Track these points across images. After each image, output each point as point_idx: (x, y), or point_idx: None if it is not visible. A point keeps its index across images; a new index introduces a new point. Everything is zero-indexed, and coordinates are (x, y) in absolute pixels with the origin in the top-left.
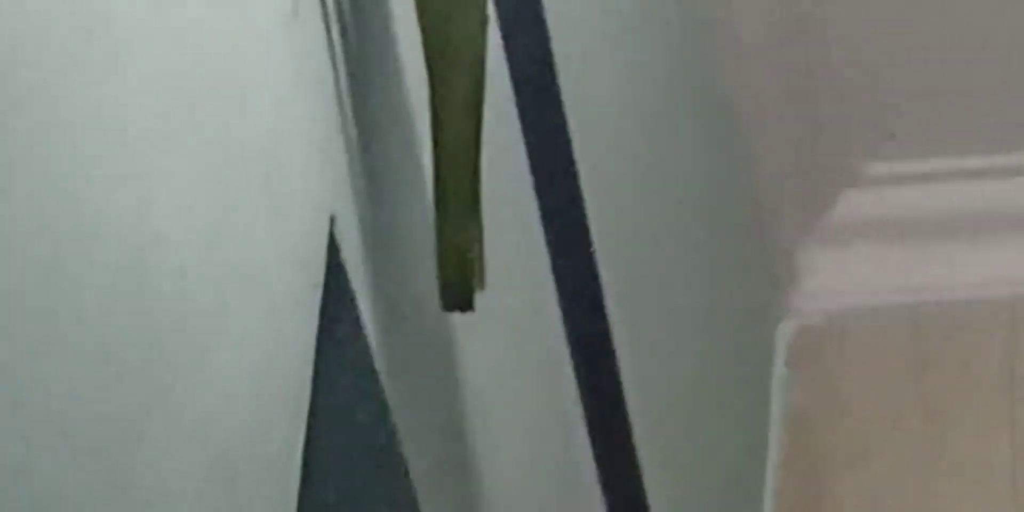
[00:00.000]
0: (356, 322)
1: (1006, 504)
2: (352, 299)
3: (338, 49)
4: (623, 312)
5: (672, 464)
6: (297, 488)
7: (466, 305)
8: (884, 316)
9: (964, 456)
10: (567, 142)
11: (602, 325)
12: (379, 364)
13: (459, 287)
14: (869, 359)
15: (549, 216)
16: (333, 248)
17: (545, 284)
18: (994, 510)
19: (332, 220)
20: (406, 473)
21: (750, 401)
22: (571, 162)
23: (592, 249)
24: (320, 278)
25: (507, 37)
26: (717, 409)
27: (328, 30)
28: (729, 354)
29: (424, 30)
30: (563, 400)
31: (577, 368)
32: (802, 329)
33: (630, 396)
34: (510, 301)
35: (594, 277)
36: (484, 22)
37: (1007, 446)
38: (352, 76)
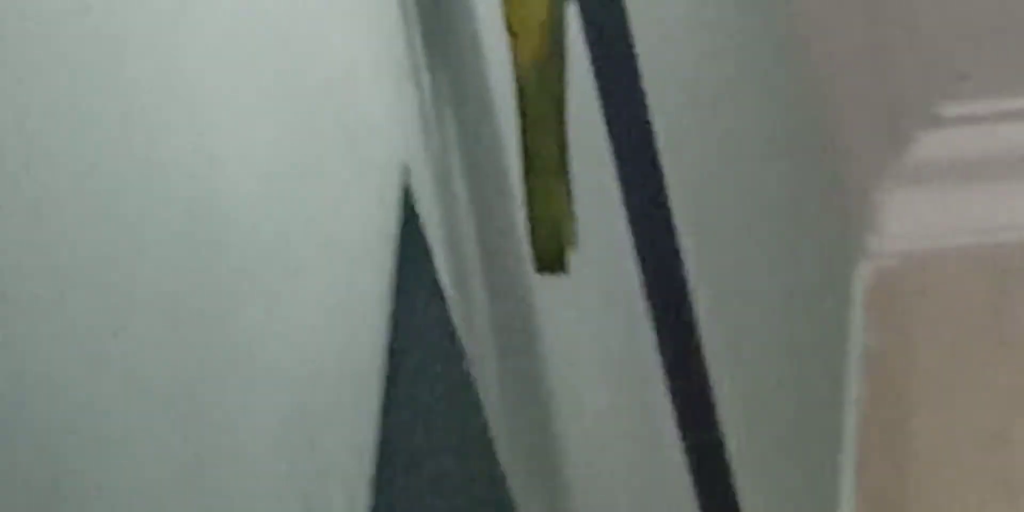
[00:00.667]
0: (431, 273)
1: None
2: (427, 251)
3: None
4: (701, 256)
5: (752, 405)
6: (375, 439)
7: (559, 266)
8: (961, 257)
9: None
10: (641, 93)
11: (679, 271)
12: (456, 316)
13: (552, 250)
14: (946, 300)
15: (624, 166)
16: (408, 199)
17: (622, 234)
18: None
19: (407, 170)
20: (485, 426)
21: (829, 342)
22: (646, 112)
23: (666, 194)
24: (394, 230)
25: None
26: (796, 350)
27: None
28: (807, 296)
29: None
30: (642, 350)
31: (654, 312)
32: (879, 271)
33: (709, 340)
34: (587, 253)
35: (669, 222)
36: None
37: None
38: (428, 28)
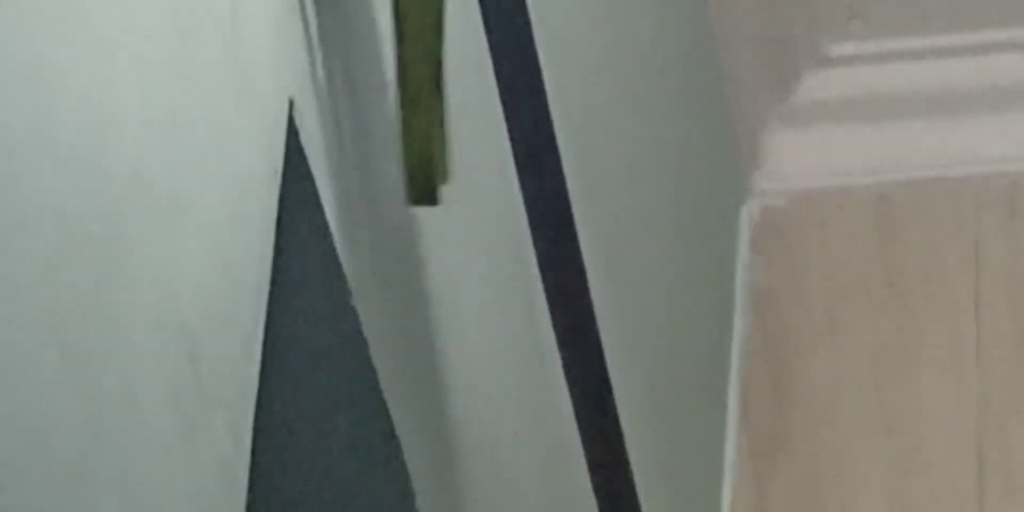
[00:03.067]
0: (316, 207)
1: (971, 380)
2: (312, 184)
3: None
4: (586, 193)
5: (638, 346)
6: (258, 366)
7: (430, 199)
8: (849, 197)
9: (930, 335)
10: (527, 23)
11: (564, 206)
12: (340, 249)
13: (423, 180)
14: (834, 240)
15: (509, 100)
16: (292, 132)
17: (509, 168)
18: (960, 386)
19: (291, 103)
20: (368, 356)
21: (715, 282)
22: (532, 45)
23: (552, 131)
24: (280, 163)
25: None
26: (682, 290)
27: None
28: (694, 236)
29: None
30: (528, 282)
31: (540, 250)
32: (766, 210)
33: (594, 277)
34: (473, 186)
35: (556, 159)
36: None
37: (972, 324)
38: None
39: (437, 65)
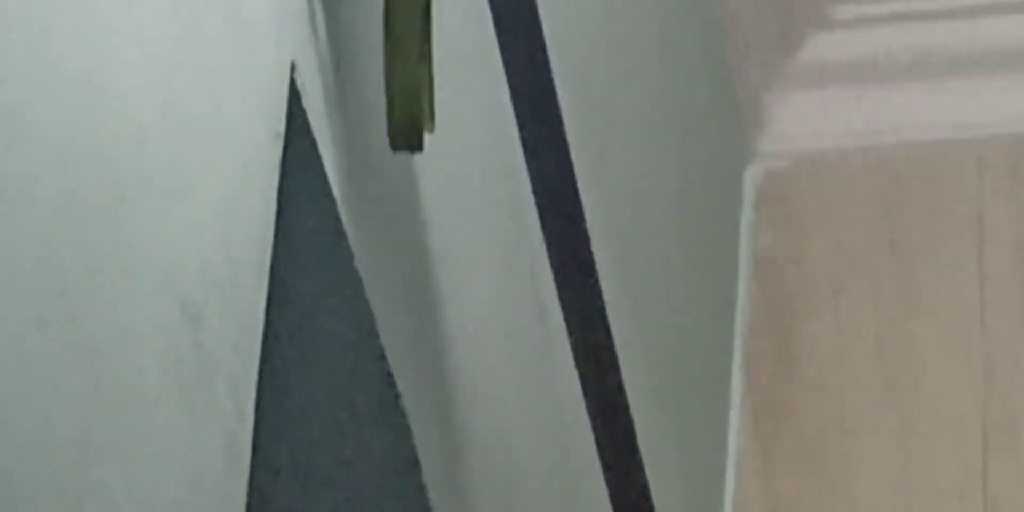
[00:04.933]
0: (318, 171)
1: (975, 344)
2: (314, 147)
3: None
4: (589, 155)
5: (641, 310)
6: (261, 334)
7: (415, 145)
8: (852, 159)
9: (934, 298)
10: None
11: (567, 169)
12: (342, 212)
13: (408, 126)
14: (837, 202)
15: (509, 54)
16: (294, 95)
17: (511, 127)
18: (964, 350)
19: (293, 67)
20: (371, 320)
21: (719, 246)
22: (533, 4)
23: (555, 90)
24: (282, 127)
25: None
26: (686, 254)
27: None
28: (697, 199)
29: None
30: (530, 244)
31: (542, 211)
32: (770, 173)
33: (597, 242)
34: (474, 145)
35: (558, 121)
36: None
37: (976, 287)
38: None
39: (424, 11)
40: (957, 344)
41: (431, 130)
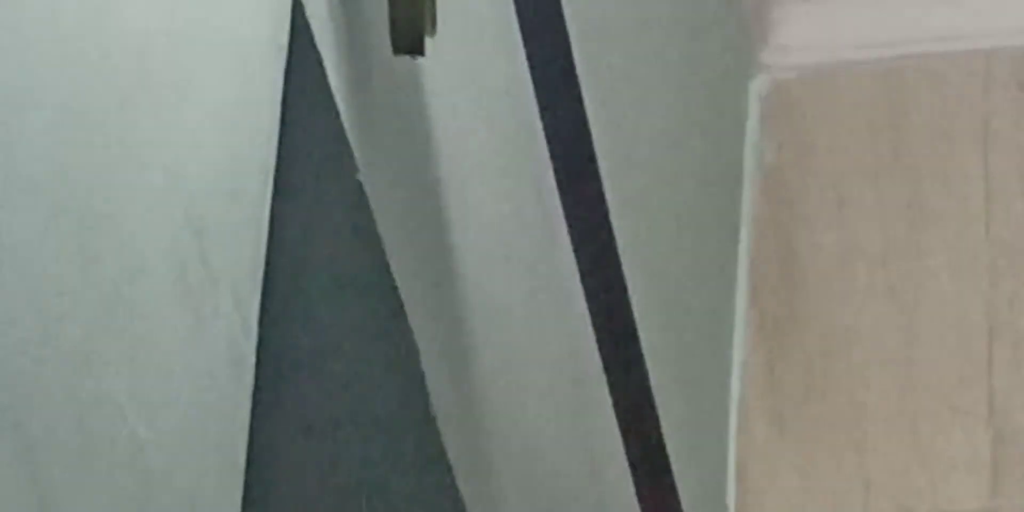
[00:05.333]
0: (322, 82)
1: (981, 254)
2: (318, 59)
3: None
4: (593, 70)
5: (647, 223)
6: (265, 244)
7: (416, 48)
8: (858, 71)
9: (939, 208)
10: None
11: (572, 82)
12: (346, 123)
13: (409, 29)
14: (842, 113)
15: None
16: (298, 7)
17: (515, 36)
18: (969, 260)
19: None
20: (375, 230)
21: (724, 157)
22: None
23: (561, 6)
24: (285, 39)
25: None
26: (691, 166)
27: None
28: (703, 110)
29: None
30: (536, 157)
31: (547, 123)
32: (775, 85)
33: (603, 155)
34: (478, 55)
35: (563, 32)
36: None
37: (982, 197)
38: None
39: None
40: (961, 253)
41: (432, 34)
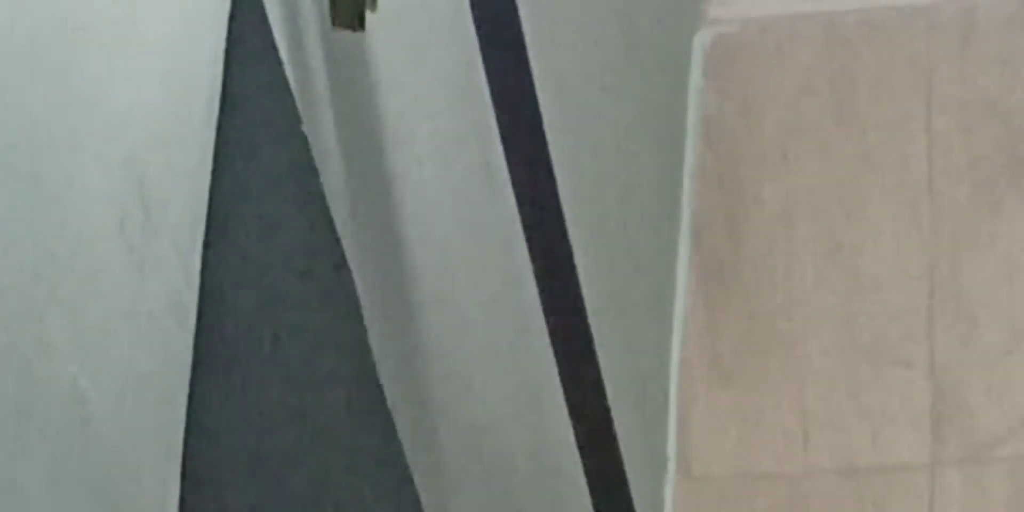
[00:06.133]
0: (265, 30)
1: (923, 209)
2: (261, 6)
3: None
4: (538, 20)
5: (590, 175)
6: (207, 194)
7: (356, 22)
8: (802, 24)
9: (882, 162)
10: None
11: (518, 40)
12: (290, 74)
13: (349, 3)
14: (786, 67)
15: None
16: None
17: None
18: (911, 215)
19: None
20: (318, 181)
21: (668, 110)
22: None
23: None
24: None
25: None
26: (635, 119)
27: None
28: (647, 63)
29: None
30: (481, 110)
31: (492, 76)
32: (719, 37)
33: (547, 108)
34: (428, 18)
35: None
36: None
37: (924, 152)
38: None
39: None
40: (904, 207)
41: (374, 9)
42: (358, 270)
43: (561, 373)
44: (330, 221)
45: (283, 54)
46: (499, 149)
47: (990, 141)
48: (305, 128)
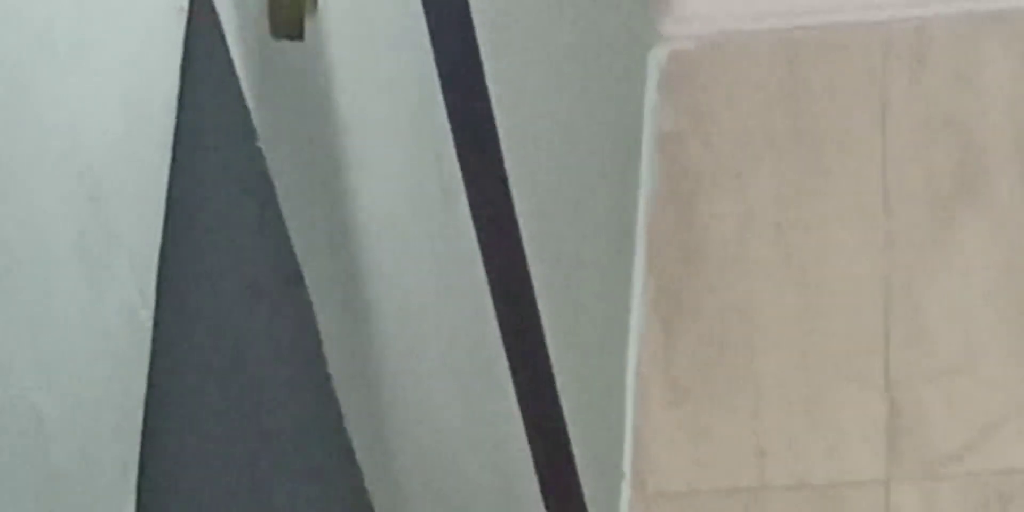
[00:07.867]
0: (222, 46)
1: (878, 227)
2: (217, 22)
3: None
4: (494, 33)
5: (544, 192)
6: (163, 209)
7: (295, 31)
8: (757, 41)
9: (837, 179)
10: None
11: (472, 49)
12: (245, 88)
13: (288, 13)
14: (742, 84)
15: None
16: None
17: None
18: (867, 233)
19: None
20: (274, 197)
21: (622, 127)
22: None
23: None
24: (186, 1)
25: None
26: (590, 135)
27: None
28: (601, 80)
29: None
30: (437, 124)
31: (449, 100)
32: (674, 54)
33: (502, 123)
34: (380, 23)
35: (465, 5)
36: None
37: (879, 168)
38: None
39: None
40: (859, 224)
41: (313, 13)
42: (313, 281)
43: (518, 391)
44: (286, 235)
45: (239, 70)
46: (456, 169)
47: (945, 157)
48: (261, 143)
